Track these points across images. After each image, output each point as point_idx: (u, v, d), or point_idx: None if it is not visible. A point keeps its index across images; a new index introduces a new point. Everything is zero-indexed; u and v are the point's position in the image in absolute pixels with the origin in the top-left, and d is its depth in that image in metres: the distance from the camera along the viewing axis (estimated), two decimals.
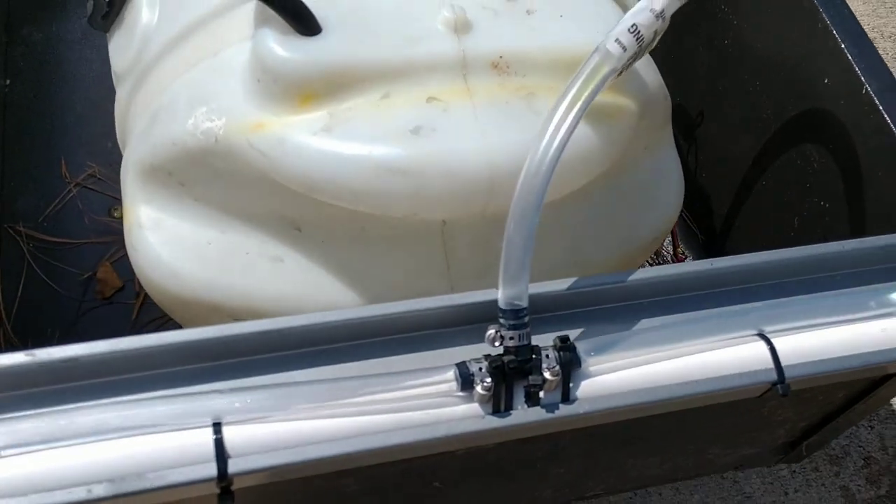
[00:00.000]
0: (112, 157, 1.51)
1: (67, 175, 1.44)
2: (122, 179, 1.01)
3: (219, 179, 0.92)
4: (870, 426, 1.96)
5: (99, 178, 1.45)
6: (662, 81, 1.05)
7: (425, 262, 0.92)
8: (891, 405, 2.00)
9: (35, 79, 1.55)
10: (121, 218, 1.38)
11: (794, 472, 1.87)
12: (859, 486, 1.87)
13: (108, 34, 1.05)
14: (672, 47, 1.20)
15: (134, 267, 0.99)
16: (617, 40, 0.73)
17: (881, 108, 1.05)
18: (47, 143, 1.47)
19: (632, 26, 0.73)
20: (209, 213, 0.95)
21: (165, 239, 0.96)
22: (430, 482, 0.96)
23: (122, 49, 1.02)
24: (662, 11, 0.74)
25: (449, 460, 0.85)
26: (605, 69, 0.74)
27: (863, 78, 1.07)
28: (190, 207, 0.95)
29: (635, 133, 0.96)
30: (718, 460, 1.24)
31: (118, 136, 1.08)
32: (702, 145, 1.43)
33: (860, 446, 1.93)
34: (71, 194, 1.41)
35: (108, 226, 1.39)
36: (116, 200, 1.42)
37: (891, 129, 1.03)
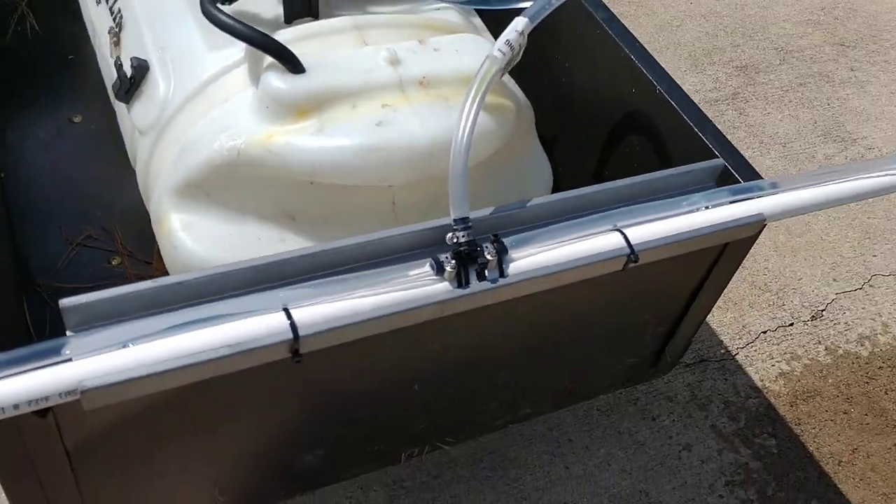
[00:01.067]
0: (102, 221, 1.86)
1: (68, 238, 1.76)
2: (153, 203, 1.37)
3: (237, 186, 1.30)
4: (724, 378, 2.45)
5: (94, 238, 1.78)
6: (526, 98, 1.52)
7: (382, 224, 1.33)
8: (735, 360, 2.51)
9: (26, 170, 1.89)
10: (118, 265, 1.72)
11: (674, 420, 2.32)
12: (723, 422, 2.34)
13: (127, 105, 1.44)
14: (531, 85, 1.67)
15: (170, 262, 1.35)
16: (499, 49, 1.19)
17: (671, 101, 1.56)
18: (47, 215, 1.80)
19: (506, 41, 1.20)
20: (228, 214, 1.33)
21: (196, 236, 1.33)
22: (411, 385, 1.35)
23: (143, 112, 1.40)
24: (523, 31, 1.21)
25: (431, 344, 1.24)
26: (494, 69, 1.20)
27: (654, 83, 1.58)
28: (214, 211, 1.33)
29: (515, 128, 1.42)
30: (610, 369, 1.66)
31: (140, 177, 1.45)
32: (559, 154, 1.91)
33: (719, 394, 2.41)
34: (74, 252, 1.73)
35: (110, 271, 1.72)
36: (111, 252, 1.75)
37: (678, 112, 1.54)
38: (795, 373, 2.50)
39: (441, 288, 1.14)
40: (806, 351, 2.56)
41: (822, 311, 2.71)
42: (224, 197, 1.31)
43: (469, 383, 1.46)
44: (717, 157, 1.44)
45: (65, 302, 1.00)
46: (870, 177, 1.45)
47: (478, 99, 1.18)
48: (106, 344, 0.99)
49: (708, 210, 1.31)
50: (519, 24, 1.20)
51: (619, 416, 2.32)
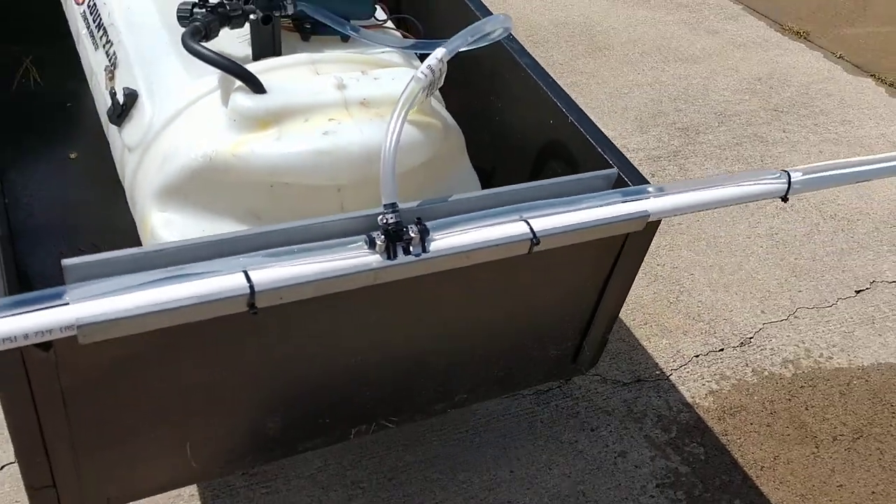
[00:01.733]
0: (93, 238, 2.11)
1: (62, 252, 2.01)
2: (138, 208, 1.63)
3: (210, 189, 1.57)
4: (658, 395, 2.68)
5: (84, 251, 2.02)
6: (456, 123, 1.81)
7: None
8: (669, 380, 2.75)
9: (27, 198, 2.16)
10: None
11: (611, 431, 2.54)
12: (656, 433, 2.57)
13: (119, 127, 1.71)
14: (471, 123, 1.96)
15: None
16: (422, 72, 1.48)
17: (580, 128, 1.85)
18: (46, 234, 2.05)
19: (428, 66, 1.49)
20: (203, 213, 1.59)
21: (175, 233, 1.58)
22: (351, 357, 1.58)
23: (132, 132, 1.68)
24: (441, 59, 1.50)
25: (367, 316, 1.49)
26: (419, 87, 1.48)
27: (567, 114, 1.88)
28: (191, 211, 1.59)
29: (443, 144, 1.71)
30: (535, 360, 1.90)
31: (128, 189, 1.71)
32: (496, 183, 2.18)
33: (654, 409, 2.64)
34: None
35: None
36: None
37: (586, 136, 1.83)
38: (724, 391, 2.74)
39: (373, 259, 1.39)
40: (734, 372, 2.81)
41: (751, 338, 2.96)
42: (199, 199, 1.57)
43: (404, 364, 1.70)
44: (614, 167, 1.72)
45: (66, 261, 1.25)
46: (744, 184, 1.73)
47: (405, 109, 1.46)
48: (98, 293, 1.24)
49: (601, 205, 1.58)
50: (438, 53, 1.49)
51: (560, 427, 2.54)
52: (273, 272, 1.32)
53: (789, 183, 1.74)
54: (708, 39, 5.02)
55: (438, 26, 2.10)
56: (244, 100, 1.52)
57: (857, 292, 3.22)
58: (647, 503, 2.36)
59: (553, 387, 2.66)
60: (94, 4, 1.92)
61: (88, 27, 1.93)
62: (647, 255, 1.85)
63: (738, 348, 2.91)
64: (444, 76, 1.54)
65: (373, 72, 1.64)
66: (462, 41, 1.57)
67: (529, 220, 1.52)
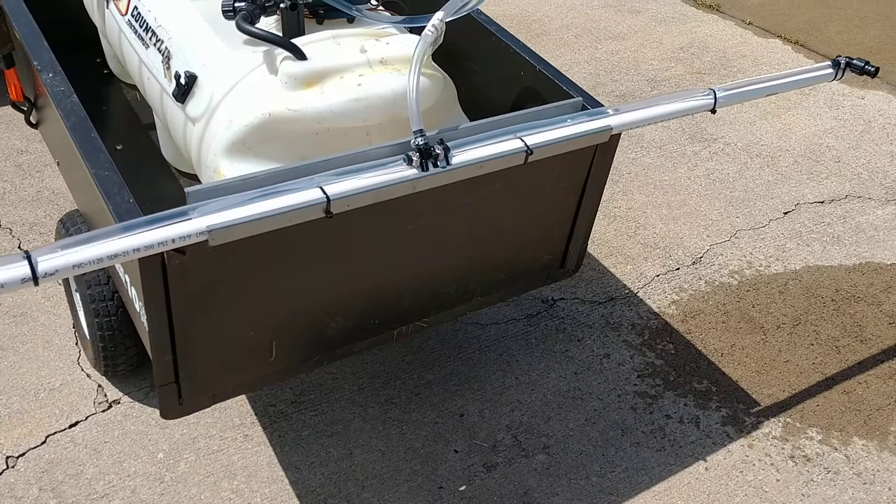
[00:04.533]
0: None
1: None
2: (210, 161, 2.03)
3: (268, 140, 1.98)
4: (629, 308, 3.15)
5: None
6: (449, 78, 2.25)
7: None
8: (637, 296, 3.22)
9: None
10: None
11: (594, 339, 2.99)
12: (632, 338, 3.03)
13: (182, 104, 2.11)
14: (455, 84, 2.40)
15: None
16: (429, 30, 1.92)
17: (547, 74, 2.31)
18: None
19: (432, 24, 1.93)
20: (263, 161, 2.00)
21: None
22: (395, 260, 2.01)
23: (195, 106, 2.08)
24: (441, 20, 1.94)
25: (406, 222, 1.92)
26: (428, 41, 1.92)
27: (534, 64, 2.33)
28: (253, 160, 1.99)
29: (444, 91, 2.15)
30: (533, 264, 2.35)
31: (193, 153, 2.11)
32: None
33: (627, 319, 3.10)
34: None
35: None
36: None
37: (552, 80, 2.28)
38: (683, 300, 3.22)
39: (411, 172, 1.83)
40: (690, 285, 3.30)
41: (701, 257, 3.46)
42: (260, 149, 1.98)
43: (434, 268, 2.13)
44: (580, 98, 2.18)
45: (188, 188, 1.66)
46: (681, 101, 2.20)
47: (420, 59, 1.90)
48: (218, 208, 1.64)
49: (574, 124, 2.04)
50: (439, 15, 1.94)
51: (551, 341, 2.99)
52: (340, 186, 1.75)
53: (715, 98, 2.23)
54: (632, 19, 5.56)
55: (419, 11, 2.54)
56: (292, 66, 1.94)
57: (785, 213, 3.75)
58: (631, 390, 2.82)
59: (541, 311, 3.11)
60: (139, 14, 2.32)
61: (136, 32, 2.32)
62: (605, 200, 2.32)
63: (691, 266, 3.40)
64: (443, 36, 1.98)
65: (384, 39, 2.08)
66: (453, 6, 2.02)
67: (523, 138, 1.97)
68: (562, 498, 2.45)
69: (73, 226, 2.49)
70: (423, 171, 1.83)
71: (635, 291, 3.25)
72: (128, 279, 2.05)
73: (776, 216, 3.72)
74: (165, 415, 1.96)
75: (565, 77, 2.30)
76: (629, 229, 3.58)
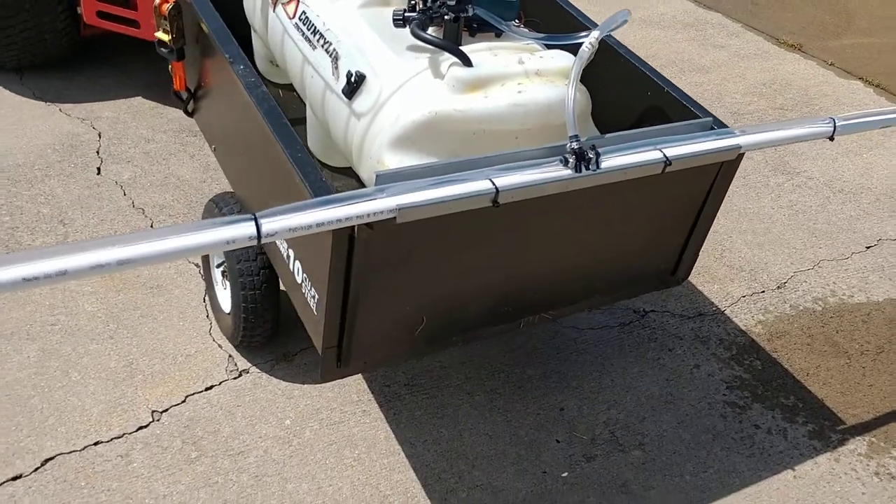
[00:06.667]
0: None
1: None
2: (373, 153, 2.25)
3: (430, 137, 2.19)
4: (717, 325, 3.31)
5: None
6: (588, 95, 2.46)
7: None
8: (724, 314, 3.38)
9: None
10: None
11: (684, 350, 3.16)
12: (720, 352, 3.19)
13: (350, 100, 2.34)
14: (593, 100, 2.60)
15: None
16: (586, 47, 2.12)
17: (674, 95, 2.51)
18: None
19: (589, 43, 2.13)
20: (424, 155, 2.21)
21: None
22: (537, 250, 2.21)
23: (363, 102, 2.30)
24: (597, 38, 2.15)
25: (555, 217, 2.12)
26: (584, 58, 2.13)
27: (664, 87, 2.53)
28: (415, 154, 2.21)
29: (586, 104, 2.35)
30: (649, 269, 2.53)
31: (355, 145, 2.33)
32: None
33: (715, 335, 3.26)
34: None
35: None
36: None
37: (678, 100, 2.48)
38: (769, 321, 3.38)
39: (566, 172, 2.03)
40: (775, 308, 3.45)
41: (785, 283, 3.61)
42: (421, 145, 2.19)
43: (565, 263, 2.32)
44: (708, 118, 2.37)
45: (378, 171, 1.87)
46: (802, 128, 2.38)
47: (579, 72, 2.11)
48: (404, 191, 1.86)
49: (707, 141, 2.23)
50: (595, 34, 2.15)
51: (644, 348, 3.16)
52: (507, 179, 1.95)
53: (835, 126, 2.40)
54: (715, 53, 5.74)
55: (551, 29, 2.76)
56: (460, 71, 2.16)
57: (868, 248, 3.89)
58: (721, 399, 2.98)
59: (633, 320, 3.29)
60: (307, 18, 2.56)
61: (303, 34, 2.55)
62: None
63: (775, 291, 3.55)
64: (594, 54, 2.19)
65: (536, 53, 2.30)
66: (606, 27, 2.23)
67: (663, 149, 2.16)
68: (657, 491, 2.61)
69: (225, 206, 2.73)
70: (576, 172, 2.03)
71: (722, 309, 3.41)
72: (292, 254, 2.27)
73: (859, 250, 3.86)
74: (324, 376, 2.17)
75: (692, 98, 2.49)
76: (715, 251, 3.74)
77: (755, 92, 5.24)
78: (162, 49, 2.82)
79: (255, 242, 1.67)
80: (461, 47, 2.30)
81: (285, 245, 2.32)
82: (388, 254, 1.97)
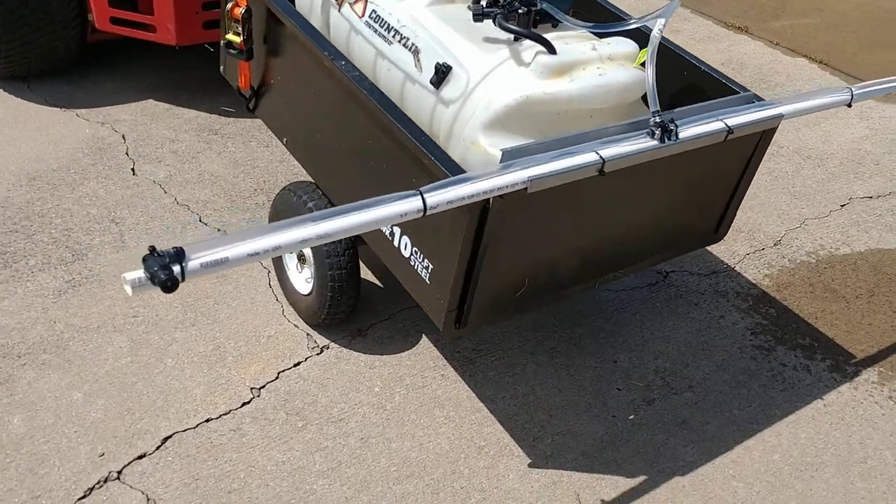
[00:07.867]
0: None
1: None
2: (464, 136, 2.49)
3: (520, 119, 2.45)
4: (731, 280, 3.68)
5: None
6: None
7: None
8: (735, 270, 3.75)
9: None
10: None
11: (707, 304, 3.51)
12: (738, 303, 3.55)
13: (437, 89, 2.57)
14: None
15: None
16: (656, 32, 2.42)
17: (718, 78, 2.83)
18: None
19: (658, 29, 2.43)
20: (516, 136, 2.47)
21: (499, 151, 2.46)
22: (618, 217, 2.50)
23: (450, 91, 2.54)
24: (664, 24, 2.45)
25: (636, 176, 2.41)
26: (656, 41, 2.42)
27: (707, 71, 2.85)
28: (507, 136, 2.46)
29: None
30: (697, 228, 2.86)
31: (443, 131, 2.57)
32: None
33: (731, 289, 3.63)
34: None
35: None
36: None
37: (721, 81, 2.80)
38: (774, 274, 3.76)
39: (653, 143, 2.32)
40: (776, 262, 3.84)
41: (780, 240, 4.01)
42: (512, 127, 2.45)
43: (637, 224, 2.62)
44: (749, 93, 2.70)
45: (503, 148, 2.13)
46: (825, 97, 2.73)
47: (654, 54, 2.40)
48: (531, 164, 2.12)
49: (759, 111, 2.56)
50: (661, 21, 2.45)
51: (673, 304, 3.50)
52: (610, 150, 2.24)
53: (852, 94, 2.77)
54: (672, 37, 6.14)
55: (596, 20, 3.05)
56: (546, 58, 2.43)
57: (842, 206, 4.33)
58: (749, 344, 3.34)
59: (658, 280, 3.62)
60: (378, 16, 2.78)
61: (377, 31, 2.77)
62: None
63: (773, 248, 3.95)
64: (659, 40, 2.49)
65: (604, 40, 2.59)
66: (668, 11, 2.53)
67: (724, 120, 2.48)
68: (713, 426, 2.95)
69: (304, 194, 2.93)
70: (661, 143, 2.33)
71: (732, 266, 3.78)
72: (397, 231, 2.50)
73: (835, 208, 4.30)
74: (447, 333, 2.42)
75: (727, 77, 2.82)
76: None
77: None
78: (231, 51, 2.99)
79: (421, 215, 1.91)
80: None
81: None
82: (515, 222, 2.23)
